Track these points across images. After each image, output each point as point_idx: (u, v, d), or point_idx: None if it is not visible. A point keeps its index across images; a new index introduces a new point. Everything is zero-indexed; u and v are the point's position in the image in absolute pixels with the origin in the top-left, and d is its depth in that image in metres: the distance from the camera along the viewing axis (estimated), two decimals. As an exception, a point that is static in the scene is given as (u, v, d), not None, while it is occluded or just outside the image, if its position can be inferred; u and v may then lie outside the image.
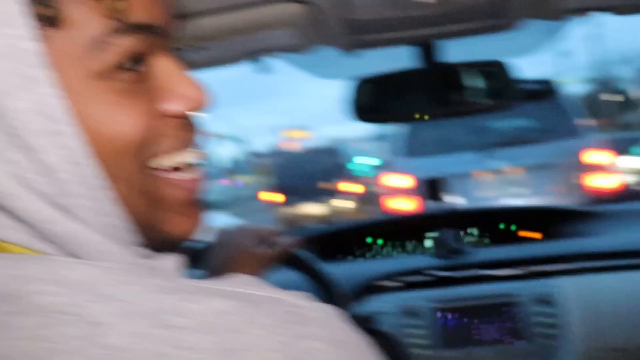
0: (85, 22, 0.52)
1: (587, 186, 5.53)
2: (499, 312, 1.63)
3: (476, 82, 1.52)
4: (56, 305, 0.48)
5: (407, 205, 6.30)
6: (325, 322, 0.52)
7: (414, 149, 6.36)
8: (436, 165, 5.94)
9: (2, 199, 0.52)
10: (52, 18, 0.51)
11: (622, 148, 12.72)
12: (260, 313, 0.50)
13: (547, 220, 2.04)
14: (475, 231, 2.10)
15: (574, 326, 1.59)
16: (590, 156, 5.64)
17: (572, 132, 5.77)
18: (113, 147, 0.54)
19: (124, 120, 0.54)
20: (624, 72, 36.39)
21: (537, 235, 2.03)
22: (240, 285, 0.54)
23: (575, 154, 5.61)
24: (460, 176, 5.77)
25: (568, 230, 1.97)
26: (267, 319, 0.50)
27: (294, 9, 1.18)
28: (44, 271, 0.50)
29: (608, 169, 5.74)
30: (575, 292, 1.65)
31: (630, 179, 11.14)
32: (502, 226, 2.08)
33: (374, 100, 1.56)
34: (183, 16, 1.11)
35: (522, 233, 2.06)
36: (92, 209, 0.54)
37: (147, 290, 0.50)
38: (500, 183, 5.76)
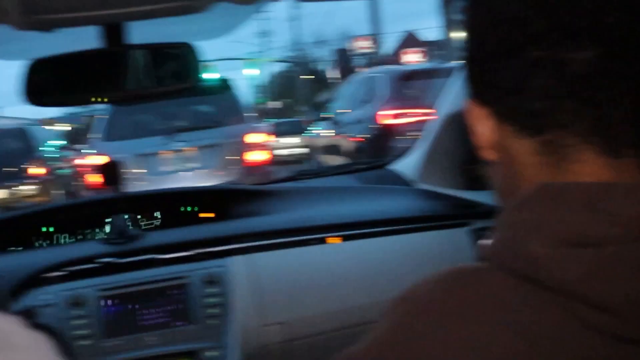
0: None
1: (246, 160, 7.60)
2: (166, 295, 1.63)
3: (163, 64, 1.52)
4: None
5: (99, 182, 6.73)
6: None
7: (112, 132, 7.74)
8: (128, 147, 7.41)
9: None
10: None
11: (283, 131, 19.87)
12: None
13: (223, 200, 2.10)
14: (158, 214, 2.09)
15: (238, 305, 1.65)
16: (250, 138, 7.71)
17: (240, 120, 7.81)
18: None
19: None
20: (319, 53, 39.32)
21: (215, 215, 2.07)
22: None
23: (240, 136, 7.62)
24: (148, 155, 7.46)
25: (242, 209, 2.05)
26: None
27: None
28: None
29: (262, 147, 7.90)
30: (243, 271, 1.72)
31: (285, 153, 18.22)
32: (184, 209, 2.10)
33: (47, 82, 1.48)
34: None
35: (202, 214, 2.09)
36: None
37: None
38: (180, 160, 7.53)
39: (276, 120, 25.08)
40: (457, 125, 2.04)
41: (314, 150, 12.21)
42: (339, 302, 1.73)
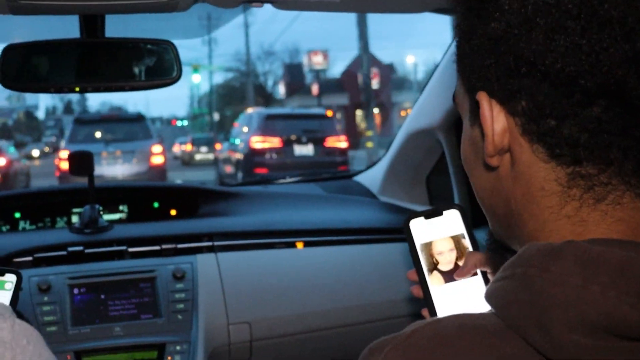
0: None
1: (150, 162, 13.30)
2: (135, 288, 1.64)
3: (142, 59, 1.51)
4: None
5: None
6: None
7: (73, 138, 12.99)
8: (84, 148, 10.36)
9: None
10: None
11: (199, 143, 27.29)
12: None
13: (192, 199, 2.11)
14: (125, 207, 2.09)
15: (205, 302, 1.66)
16: (154, 148, 13.40)
17: (149, 137, 13.64)
18: None
19: None
20: (268, 66, 39.32)
21: (182, 213, 2.10)
22: None
23: (149, 147, 13.34)
24: (96, 153, 10.56)
25: (210, 208, 2.07)
26: None
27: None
28: None
29: (161, 154, 13.74)
30: (210, 269, 1.74)
31: (199, 157, 25.88)
32: (156, 205, 2.11)
33: (21, 68, 1.47)
34: None
35: (171, 211, 2.11)
36: None
37: None
38: (113, 157, 13.12)
39: (198, 135, 32.47)
40: (419, 141, 2.08)
41: (218, 159, 17.62)
42: (302, 305, 1.75)
